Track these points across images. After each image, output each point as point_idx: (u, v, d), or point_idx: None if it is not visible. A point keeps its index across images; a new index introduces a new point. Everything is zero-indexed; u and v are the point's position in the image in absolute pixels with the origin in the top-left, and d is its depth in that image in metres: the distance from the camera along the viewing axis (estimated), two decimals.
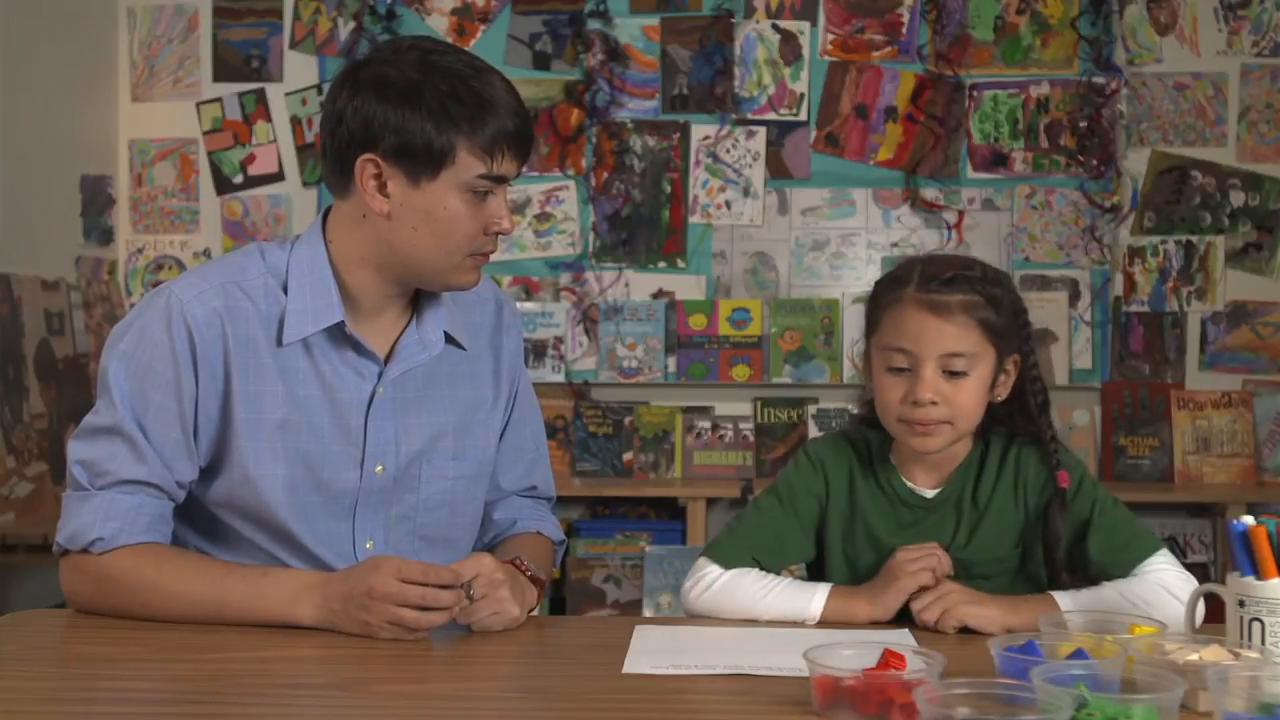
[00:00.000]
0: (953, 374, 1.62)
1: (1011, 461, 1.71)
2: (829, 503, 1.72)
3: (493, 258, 1.67)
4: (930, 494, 1.70)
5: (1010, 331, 1.66)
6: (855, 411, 1.82)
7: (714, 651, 1.45)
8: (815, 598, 1.61)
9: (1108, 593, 1.59)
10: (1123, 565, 1.63)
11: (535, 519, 1.83)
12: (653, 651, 1.45)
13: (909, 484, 1.71)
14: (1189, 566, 3.71)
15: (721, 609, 1.65)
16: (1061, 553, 1.67)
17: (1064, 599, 1.58)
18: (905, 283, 1.66)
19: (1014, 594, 1.65)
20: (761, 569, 1.67)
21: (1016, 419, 1.71)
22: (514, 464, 1.81)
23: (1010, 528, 1.69)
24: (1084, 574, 1.67)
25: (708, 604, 1.65)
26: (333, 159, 1.57)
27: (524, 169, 1.61)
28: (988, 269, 1.68)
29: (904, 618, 1.64)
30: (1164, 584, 1.59)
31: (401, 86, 1.52)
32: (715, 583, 1.65)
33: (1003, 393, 1.68)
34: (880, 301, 1.69)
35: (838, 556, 1.72)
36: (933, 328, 1.61)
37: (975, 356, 1.62)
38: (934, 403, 1.61)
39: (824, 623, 1.60)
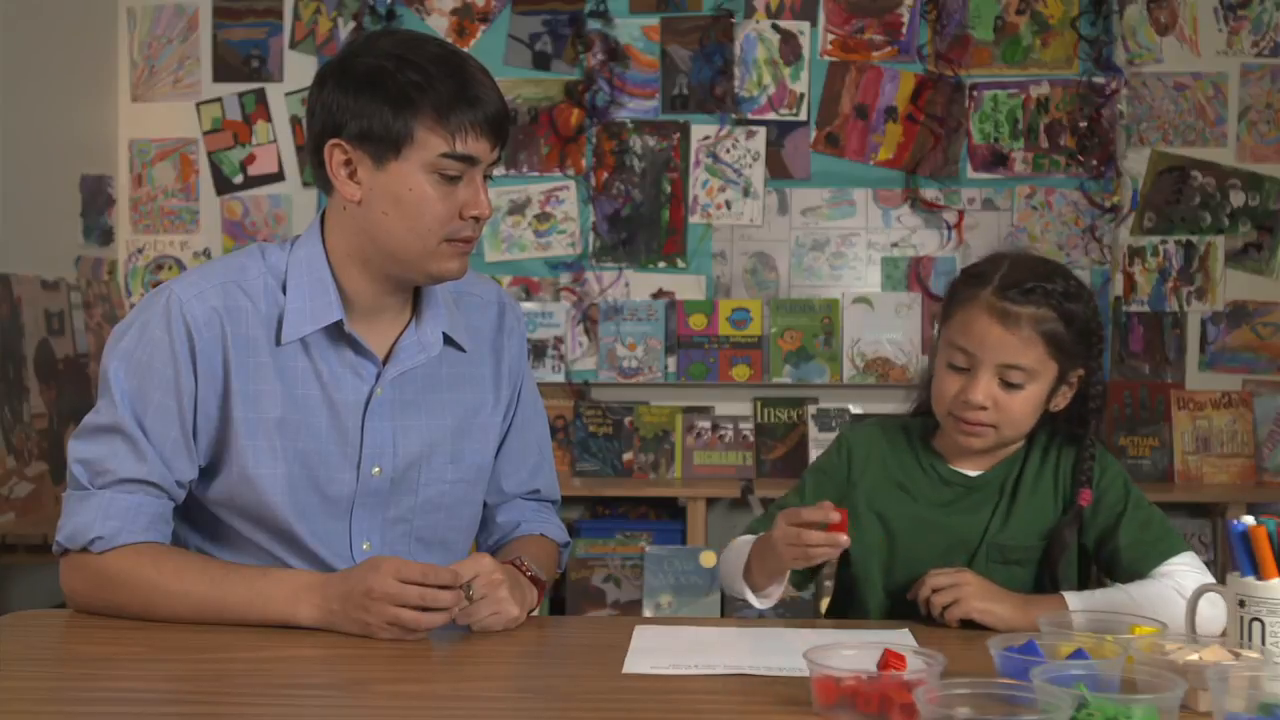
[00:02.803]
0: (1009, 384, 1.63)
1: (1054, 454, 1.73)
2: (851, 482, 1.75)
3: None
4: (974, 474, 1.72)
5: (1078, 349, 1.66)
6: (910, 407, 1.84)
7: (714, 651, 1.45)
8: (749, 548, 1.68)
9: (1118, 595, 1.59)
10: (1149, 560, 1.64)
11: (539, 521, 1.83)
12: (653, 651, 1.45)
13: (951, 466, 1.73)
14: None
15: (722, 576, 1.76)
16: (1094, 555, 1.70)
17: (1074, 600, 1.58)
18: (985, 283, 1.65)
19: (1041, 582, 1.68)
20: None
21: (1071, 426, 1.73)
22: (517, 467, 1.81)
23: (1044, 517, 1.70)
24: (1109, 566, 1.69)
25: (719, 569, 1.78)
26: (311, 152, 1.60)
27: (501, 152, 1.59)
28: (1071, 283, 1.67)
29: (904, 616, 1.64)
30: (1179, 587, 1.58)
31: (364, 72, 1.53)
32: (727, 547, 1.76)
33: (1061, 403, 1.69)
34: (957, 296, 1.69)
35: (869, 517, 1.73)
36: (996, 336, 1.62)
37: (1034, 372, 1.63)
38: (984, 408, 1.63)
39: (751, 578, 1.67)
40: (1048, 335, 1.62)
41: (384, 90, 1.52)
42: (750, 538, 1.71)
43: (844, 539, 1.50)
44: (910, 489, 1.73)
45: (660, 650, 1.45)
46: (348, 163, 1.56)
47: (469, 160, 1.55)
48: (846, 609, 1.77)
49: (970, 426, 1.65)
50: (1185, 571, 1.61)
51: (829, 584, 1.88)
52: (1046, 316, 1.62)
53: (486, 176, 1.59)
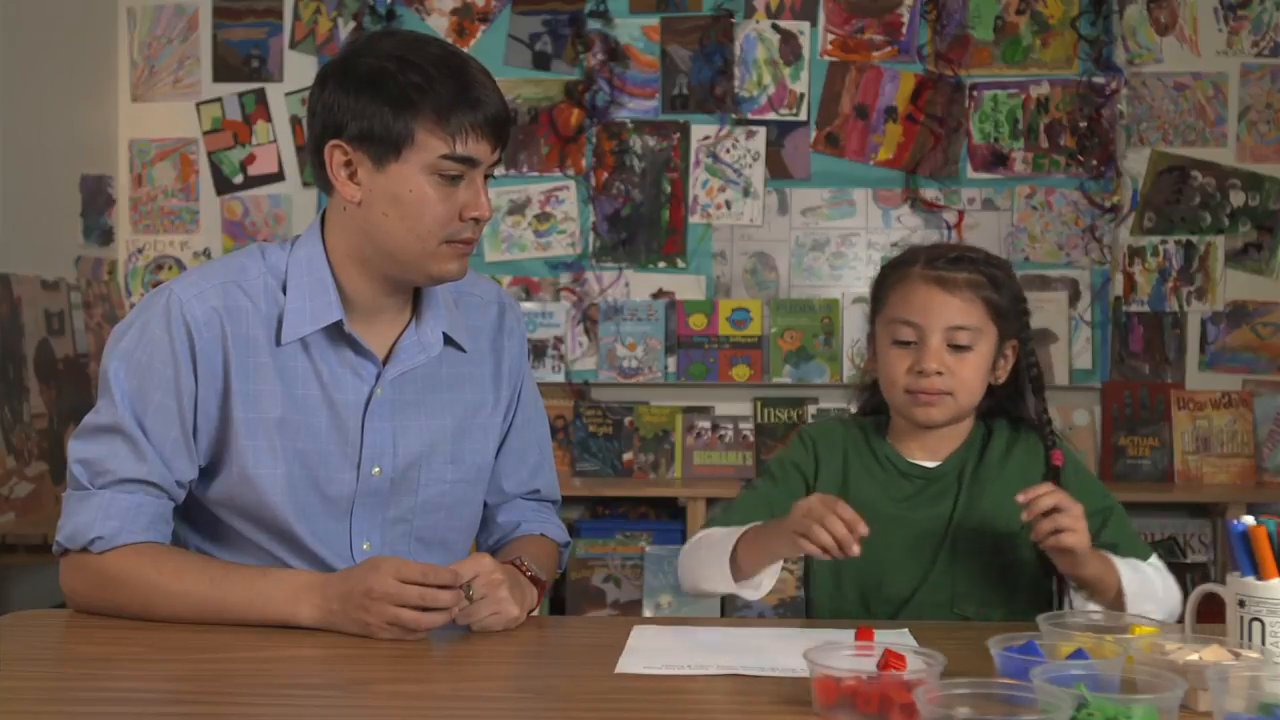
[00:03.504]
0: (957, 348, 1.67)
1: (1021, 443, 1.75)
2: (817, 476, 1.76)
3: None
4: (931, 465, 1.74)
5: (1011, 314, 1.71)
6: (853, 408, 1.87)
7: (711, 651, 1.45)
8: (735, 535, 1.60)
9: (1147, 570, 1.62)
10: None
11: (540, 521, 1.83)
12: (648, 651, 1.45)
13: (907, 458, 1.74)
14: (1189, 566, 3.71)
15: (687, 569, 1.69)
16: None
17: (1121, 565, 1.58)
18: (912, 262, 1.72)
19: (1017, 573, 1.69)
20: None
21: (1014, 402, 1.76)
22: (518, 467, 1.81)
23: (1015, 507, 1.70)
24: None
25: (681, 563, 1.71)
26: (311, 153, 1.60)
27: (502, 153, 1.59)
28: (990, 255, 1.75)
29: (865, 614, 1.65)
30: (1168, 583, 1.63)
31: (364, 73, 1.53)
32: (689, 542, 1.71)
33: (1002, 375, 1.73)
34: (887, 280, 1.75)
35: None
36: (939, 301, 1.67)
37: (979, 332, 1.68)
38: (939, 373, 1.66)
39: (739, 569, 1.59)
40: (985, 298, 1.68)
41: (385, 91, 1.52)
42: (725, 530, 1.66)
43: (855, 550, 1.46)
44: (870, 484, 1.74)
45: (655, 650, 1.45)
46: (348, 163, 1.56)
47: (469, 162, 1.54)
48: (812, 606, 1.78)
49: (928, 397, 1.67)
50: (1165, 570, 1.66)
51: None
52: (979, 280, 1.69)
53: (487, 177, 1.59)
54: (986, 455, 1.74)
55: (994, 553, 1.69)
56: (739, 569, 1.60)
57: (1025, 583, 1.71)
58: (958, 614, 1.68)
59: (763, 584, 1.62)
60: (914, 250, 1.75)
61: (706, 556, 1.64)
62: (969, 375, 1.68)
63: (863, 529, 1.44)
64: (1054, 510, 1.52)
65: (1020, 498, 1.55)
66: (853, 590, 1.72)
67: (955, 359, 1.67)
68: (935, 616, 1.67)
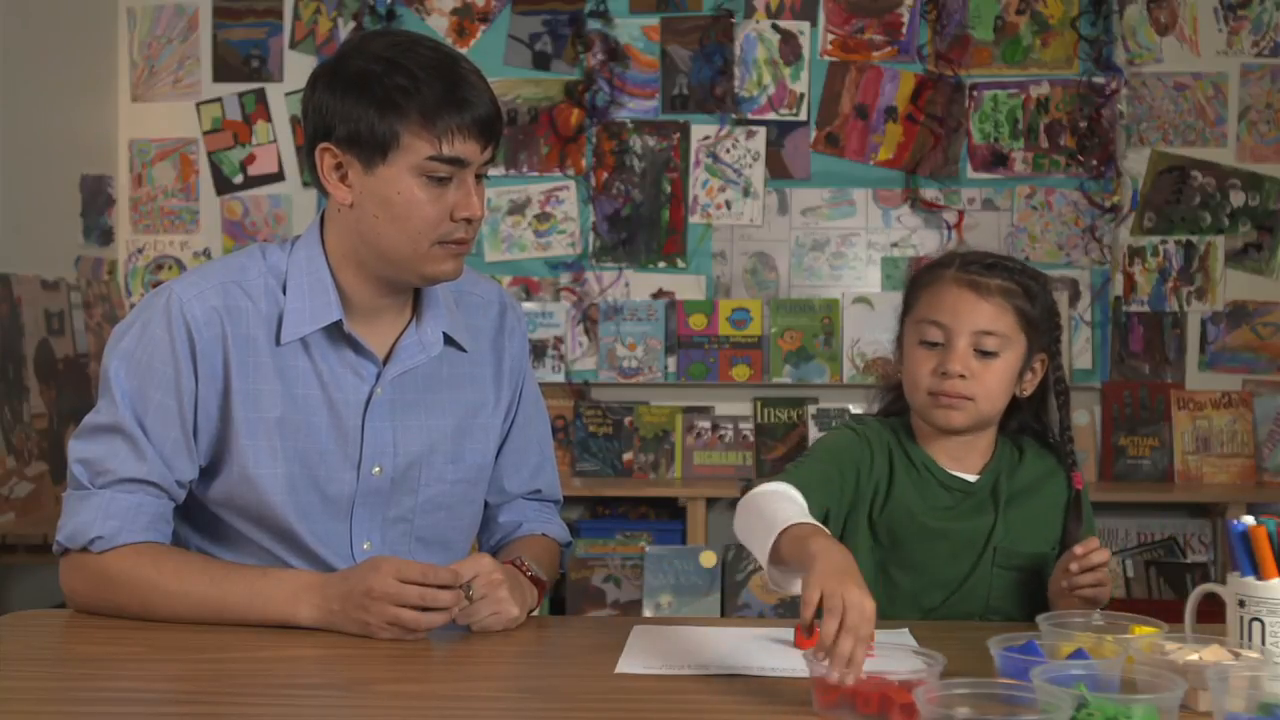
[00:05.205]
0: (984, 353, 1.65)
1: (1051, 465, 1.74)
2: (870, 472, 1.71)
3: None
4: (970, 479, 1.72)
5: (1042, 327, 1.70)
6: (875, 408, 1.83)
7: (711, 652, 1.45)
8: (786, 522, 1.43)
9: None
10: None
11: (541, 521, 1.83)
12: (648, 651, 1.45)
13: (946, 469, 1.72)
14: (1189, 566, 3.70)
15: (742, 523, 1.54)
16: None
17: None
18: (947, 265, 1.70)
19: (1045, 591, 1.68)
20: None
21: (1038, 417, 1.75)
22: (519, 467, 1.81)
23: (1049, 527, 1.71)
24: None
25: (740, 510, 1.56)
26: (306, 155, 1.60)
27: (493, 153, 1.58)
28: (1027, 266, 1.73)
29: (900, 618, 1.64)
30: None
31: (352, 75, 1.53)
32: (757, 490, 1.57)
33: (1028, 389, 1.72)
34: (919, 281, 1.73)
35: (861, 525, 1.70)
36: (969, 303, 1.65)
37: (1007, 340, 1.66)
38: (962, 376, 1.64)
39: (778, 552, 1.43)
40: (1016, 308, 1.67)
41: (371, 94, 1.51)
42: (788, 499, 1.53)
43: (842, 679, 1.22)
44: (912, 490, 1.72)
45: (655, 650, 1.45)
46: (338, 166, 1.56)
47: (458, 162, 1.54)
48: None
49: (950, 399, 1.65)
50: None
51: None
52: (1013, 289, 1.67)
53: (481, 176, 1.59)
54: (1020, 474, 1.73)
55: (1029, 570, 1.69)
56: (779, 555, 1.43)
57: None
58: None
59: (792, 585, 1.48)
60: (951, 254, 1.73)
61: (757, 527, 1.47)
62: (993, 382, 1.66)
63: (860, 671, 1.21)
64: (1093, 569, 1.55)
65: (1079, 549, 1.56)
66: (881, 594, 1.70)
67: (981, 364, 1.65)
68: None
